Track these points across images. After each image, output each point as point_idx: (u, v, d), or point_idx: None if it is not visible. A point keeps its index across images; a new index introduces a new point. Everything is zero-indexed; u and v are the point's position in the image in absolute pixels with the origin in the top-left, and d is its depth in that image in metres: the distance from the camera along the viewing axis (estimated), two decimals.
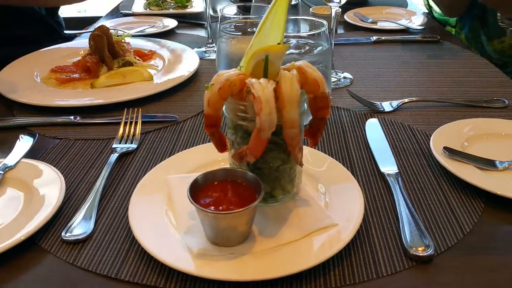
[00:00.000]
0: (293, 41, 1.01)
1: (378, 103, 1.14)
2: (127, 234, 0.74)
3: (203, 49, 1.53)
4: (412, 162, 0.92)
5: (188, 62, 1.38)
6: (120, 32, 1.47)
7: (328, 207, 0.76)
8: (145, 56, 1.45)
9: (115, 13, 2.09)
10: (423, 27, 1.72)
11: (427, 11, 2.11)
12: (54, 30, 1.75)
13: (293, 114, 0.65)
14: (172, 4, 2.06)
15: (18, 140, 0.98)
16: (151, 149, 0.99)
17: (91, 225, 0.75)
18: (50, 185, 0.82)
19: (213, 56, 1.45)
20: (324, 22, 0.98)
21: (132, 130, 1.03)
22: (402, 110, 1.13)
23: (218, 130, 0.73)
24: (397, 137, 1.01)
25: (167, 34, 1.73)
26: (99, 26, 1.34)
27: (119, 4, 2.21)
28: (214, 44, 1.47)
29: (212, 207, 0.66)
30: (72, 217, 0.78)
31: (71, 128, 1.08)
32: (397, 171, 0.87)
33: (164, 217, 0.74)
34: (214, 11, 1.93)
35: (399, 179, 0.85)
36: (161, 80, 1.28)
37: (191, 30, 1.81)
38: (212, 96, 0.69)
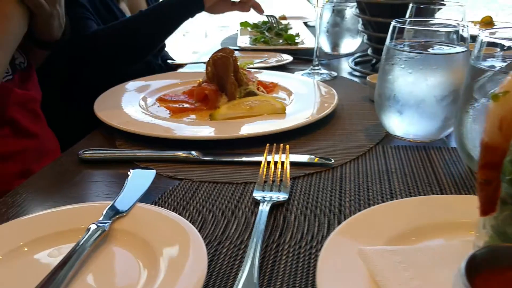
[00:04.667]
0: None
1: None
2: None
3: (308, 71, 1.42)
4: None
5: (321, 96, 1.11)
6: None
7: None
8: (267, 88, 1.19)
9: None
10: None
11: None
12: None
13: None
14: (281, 41, 1.83)
15: (128, 176, 0.71)
16: (308, 201, 0.69)
17: None
18: (184, 249, 0.54)
19: (318, 77, 1.36)
20: None
21: (278, 173, 0.74)
22: None
23: (498, 176, 0.42)
24: None
25: (280, 70, 1.46)
26: (222, 48, 1.11)
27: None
28: (319, 67, 1.41)
29: None
30: None
31: (191, 166, 0.81)
32: None
33: None
34: (334, 48, 1.67)
35: None
36: (294, 114, 1.00)
37: (304, 66, 1.53)
38: (508, 113, 0.38)
